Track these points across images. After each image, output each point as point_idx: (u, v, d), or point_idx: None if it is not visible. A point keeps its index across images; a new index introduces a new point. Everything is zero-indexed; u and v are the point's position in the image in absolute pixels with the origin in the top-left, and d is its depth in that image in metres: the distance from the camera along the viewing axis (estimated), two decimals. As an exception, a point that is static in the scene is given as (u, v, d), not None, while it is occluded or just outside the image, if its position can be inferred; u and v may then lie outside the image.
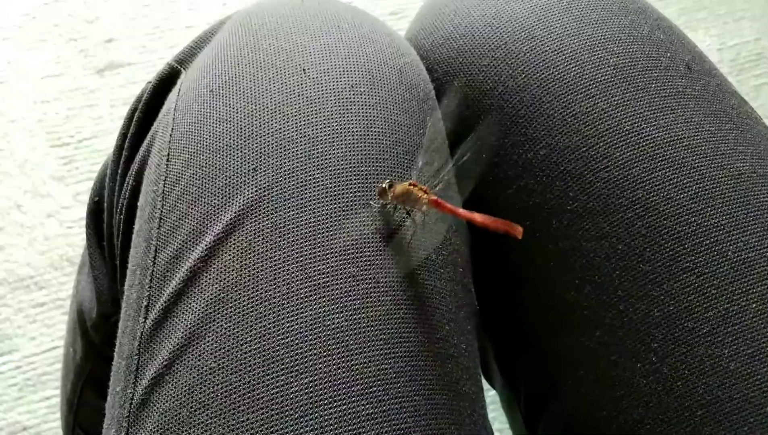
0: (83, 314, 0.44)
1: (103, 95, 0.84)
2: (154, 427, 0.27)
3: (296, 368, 0.26)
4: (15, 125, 0.81)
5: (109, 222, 0.39)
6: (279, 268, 0.28)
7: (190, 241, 0.29)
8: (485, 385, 0.42)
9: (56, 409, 0.71)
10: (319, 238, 0.29)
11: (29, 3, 0.87)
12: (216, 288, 0.28)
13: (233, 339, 0.27)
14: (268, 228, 0.29)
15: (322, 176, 0.30)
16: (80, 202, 0.80)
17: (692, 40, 0.37)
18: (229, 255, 0.29)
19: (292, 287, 0.28)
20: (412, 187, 0.29)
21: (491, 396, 0.52)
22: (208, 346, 0.27)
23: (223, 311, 0.28)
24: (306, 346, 0.27)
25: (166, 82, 0.37)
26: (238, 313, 0.27)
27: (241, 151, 0.30)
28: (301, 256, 0.28)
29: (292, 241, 0.28)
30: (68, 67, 0.85)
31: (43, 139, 0.81)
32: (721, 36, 1.01)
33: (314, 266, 0.28)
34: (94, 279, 0.41)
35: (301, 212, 0.29)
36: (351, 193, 0.30)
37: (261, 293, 0.28)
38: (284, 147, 0.30)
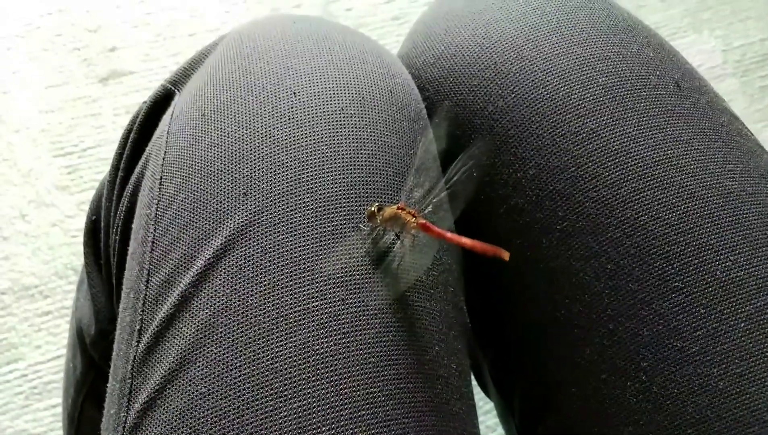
0: (82, 331, 0.44)
1: (106, 104, 0.85)
2: None
3: (285, 393, 0.27)
4: (19, 135, 0.82)
5: (105, 241, 0.39)
6: (268, 293, 0.28)
7: (181, 265, 0.30)
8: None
9: (61, 418, 0.72)
10: (308, 262, 0.29)
11: (32, 13, 0.88)
12: (206, 313, 0.28)
13: (223, 364, 0.27)
14: (258, 253, 0.29)
15: (311, 200, 0.30)
16: (84, 211, 0.80)
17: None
18: (220, 280, 0.29)
19: (282, 312, 0.28)
20: (400, 210, 0.29)
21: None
22: (198, 372, 0.28)
23: (213, 336, 0.28)
24: (295, 371, 0.27)
25: (160, 102, 0.38)
26: (228, 338, 0.28)
27: (232, 176, 0.31)
28: (291, 281, 0.29)
29: (282, 265, 0.29)
30: (71, 77, 0.85)
31: (46, 148, 0.82)
32: (727, 37, 1.00)
33: (303, 290, 0.28)
34: (92, 297, 0.42)
35: (291, 236, 0.29)
36: (341, 216, 0.30)
37: (251, 318, 0.28)
38: (274, 171, 0.30)
